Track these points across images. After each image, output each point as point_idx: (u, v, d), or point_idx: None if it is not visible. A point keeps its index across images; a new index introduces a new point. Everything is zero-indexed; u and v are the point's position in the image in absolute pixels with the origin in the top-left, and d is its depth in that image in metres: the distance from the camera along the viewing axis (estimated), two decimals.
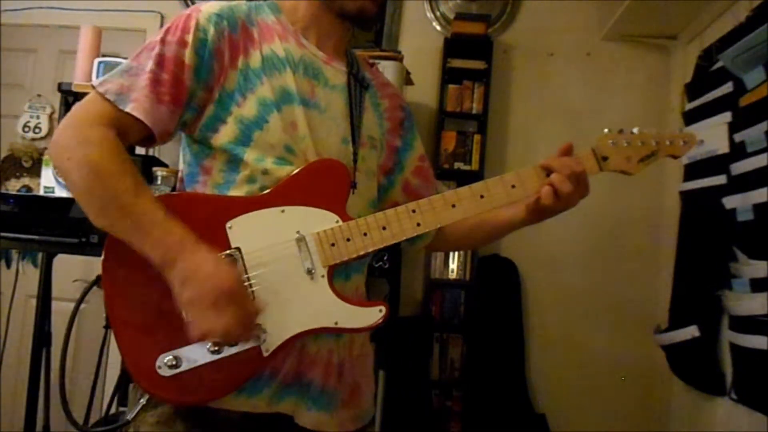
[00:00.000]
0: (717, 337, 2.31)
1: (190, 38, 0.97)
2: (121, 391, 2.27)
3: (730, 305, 2.19)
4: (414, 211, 1.02)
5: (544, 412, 2.91)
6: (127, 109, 0.94)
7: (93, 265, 2.73)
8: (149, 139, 0.99)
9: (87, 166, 0.90)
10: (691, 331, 2.40)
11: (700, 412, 2.51)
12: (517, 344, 2.95)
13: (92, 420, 2.32)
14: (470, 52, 2.99)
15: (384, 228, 1.00)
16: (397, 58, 2.71)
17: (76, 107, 0.97)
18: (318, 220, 0.98)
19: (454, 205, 1.04)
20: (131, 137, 0.97)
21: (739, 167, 2.19)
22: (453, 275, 2.97)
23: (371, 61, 1.23)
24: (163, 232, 0.89)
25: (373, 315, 0.98)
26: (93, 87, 0.97)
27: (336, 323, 0.97)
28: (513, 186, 1.06)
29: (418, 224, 1.02)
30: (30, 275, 2.65)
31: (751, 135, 2.12)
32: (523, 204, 1.10)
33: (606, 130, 1.09)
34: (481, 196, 1.05)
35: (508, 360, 2.92)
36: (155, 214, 0.90)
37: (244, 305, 0.89)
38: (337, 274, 1.00)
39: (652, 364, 2.84)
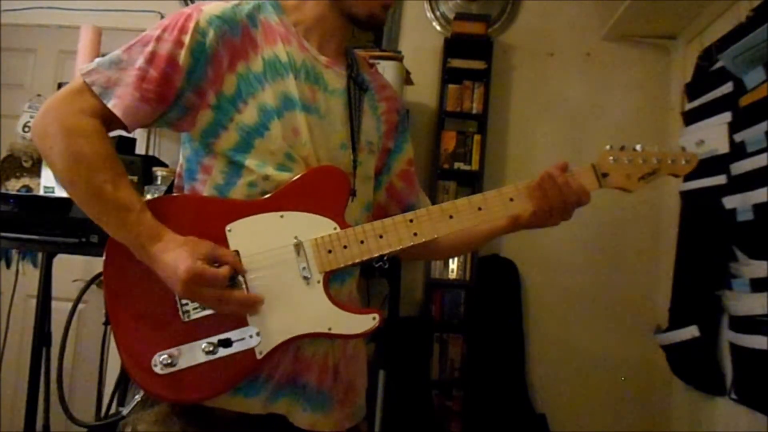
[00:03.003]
0: (717, 337, 2.31)
1: (187, 39, 0.95)
2: (121, 390, 2.27)
3: (730, 305, 2.19)
4: (411, 220, 1.03)
5: (544, 412, 2.91)
6: (109, 105, 0.94)
7: (93, 265, 2.72)
8: (125, 128, 0.99)
9: (71, 158, 0.91)
10: (691, 331, 2.41)
11: (700, 412, 2.51)
12: (517, 344, 2.95)
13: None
14: (470, 52, 2.98)
15: (381, 237, 1.01)
16: (397, 58, 2.71)
17: (61, 93, 0.97)
18: (316, 227, 0.99)
19: (451, 216, 1.04)
20: (110, 128, 0.97)
21: (739, 167, 2.19)
22: (453, 275, 2.96)
23: (371, 61, 1.23)
24: (136, 230, 0.91)
25: (367, 322, 0.99)
26: (81, 74, 0.96)
27: (330, 329, 0.98)
28: (511, 199, 1.06)
29: (415, 234, 1.02)
30: (30, 275, 2.65)
31: (751, 135, 2.12)
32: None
33: (608, 147, 1.08)
34: (479, 209, 1.05)
35: (508, 360, 2.92)
36: (131, 209, 0.92)
37: (211, 281, 0.90)
38: (333, 278, 1.01)
39: (652, 364, 2.84)
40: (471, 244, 1.22)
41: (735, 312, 2.16)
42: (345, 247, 0.99)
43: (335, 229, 0.99)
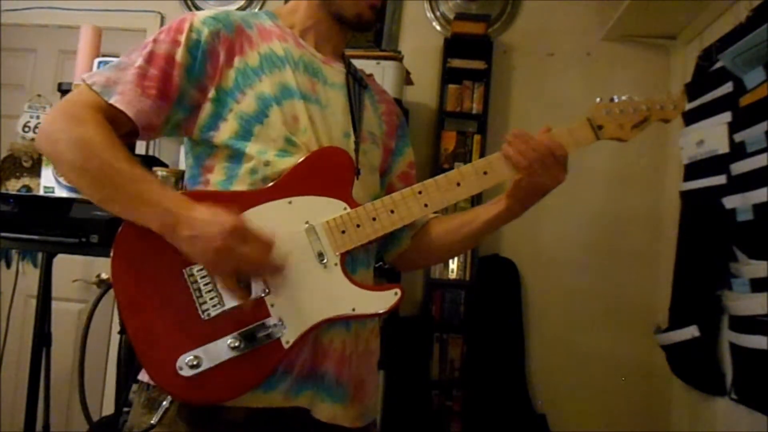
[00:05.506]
0: (717, 337, 2.31)
1: (183, 38, 0.99)
2: (123, 393, 2.26)
3: (730, 305, 2.19)
4: (420, 192, 1.03)
5: (544, 412, 2.91)
6: (111, 101, 0.95)
7: (93, 265, 2.72)
8: (134, 134, 1.00)
9: (80, 142, 0.91)
10: (691, 331, 2.40)
11: (700, 412, 2.51)
12: (517, 344, 2.95)
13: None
14: (470, 52, 2.98)
15: (392, 211, 1.01)
16: (397, 58, 2.71)
17: (64, 98, 0.99)
18: (326, 209, 0.99)
19: (458, 183, 1.04)
20: (117, 130, 0.97)
21: (739, 167, 2.18)
22: (453, 275, 2.96)
23: (368, 72, 1.26)
24: (159, 196, 0.90)
25: (389, 298, 0.99)
26: (83, 80, 0.98)
27: (354, 309, 0.97)
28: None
29: (426, 205, 1.03)
30: (30, 275, 2.65)
31: (751, 135, 2.12)
32: (503, 197, 1.09)
33: (598, 100, 1.10)
34: (485, 173, 1.04)
35: (508, 360, 2.92)
36: (151, 181, 0.92)
37: (254, 238, 0.88)
38: (344, 266, 1.00)
39: (652, 364, 2.84)
40: (472, 237, 1.15)
41: (735, 312, 2.16)
42: (358, 225, 0.99)
43: (345, 209, 0.99)
